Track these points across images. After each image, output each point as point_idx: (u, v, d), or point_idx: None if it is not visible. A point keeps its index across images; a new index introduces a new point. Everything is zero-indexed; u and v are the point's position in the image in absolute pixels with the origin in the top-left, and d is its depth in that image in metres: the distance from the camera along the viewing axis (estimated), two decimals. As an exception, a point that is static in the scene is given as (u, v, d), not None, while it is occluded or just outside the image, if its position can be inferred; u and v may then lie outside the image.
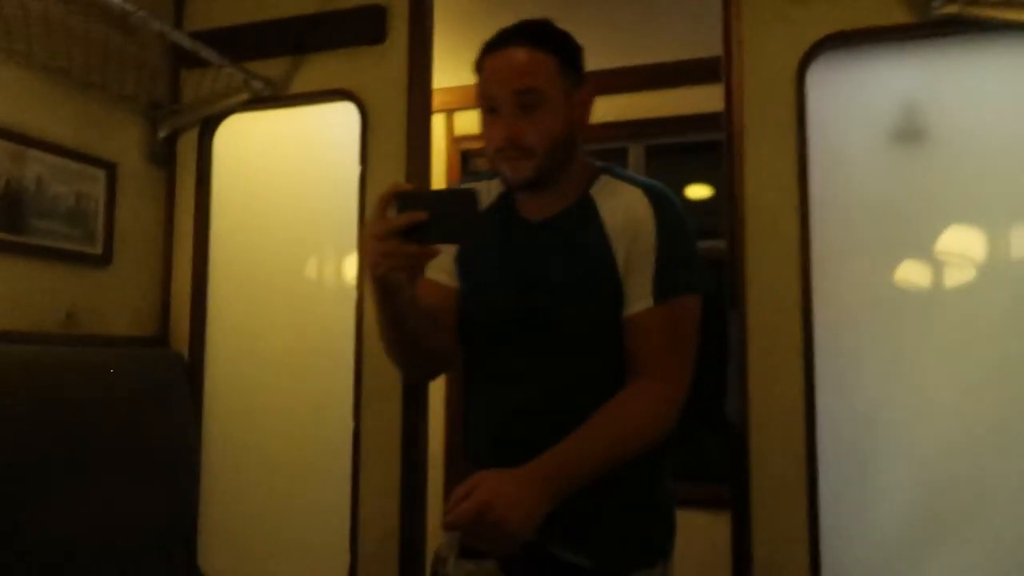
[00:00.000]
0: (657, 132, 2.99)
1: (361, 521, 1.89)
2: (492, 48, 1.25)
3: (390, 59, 1.98)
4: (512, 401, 1.29)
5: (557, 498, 1.06)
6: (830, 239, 1.65)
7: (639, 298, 1.23)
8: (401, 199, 1.05)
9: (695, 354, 1.25)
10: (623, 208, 1.26)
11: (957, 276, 1.62)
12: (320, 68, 2.04)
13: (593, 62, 1.30)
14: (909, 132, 1.64)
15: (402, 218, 1.04)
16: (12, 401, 1.56)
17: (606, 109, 2.97)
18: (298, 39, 2.04)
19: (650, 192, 1.27)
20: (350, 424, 1.92)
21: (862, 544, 1.60)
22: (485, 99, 1.24)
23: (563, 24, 1.28)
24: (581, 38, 1.28)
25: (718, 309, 1.85)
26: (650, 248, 1.23)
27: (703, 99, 2.63)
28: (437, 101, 2.35)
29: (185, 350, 2.11)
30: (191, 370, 2.09)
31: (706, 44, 2.00)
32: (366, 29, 1.99)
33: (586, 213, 1.29)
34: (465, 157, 3.23)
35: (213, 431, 2.10)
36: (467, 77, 1.26)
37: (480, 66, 1.26)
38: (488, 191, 1.37)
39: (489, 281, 1.34)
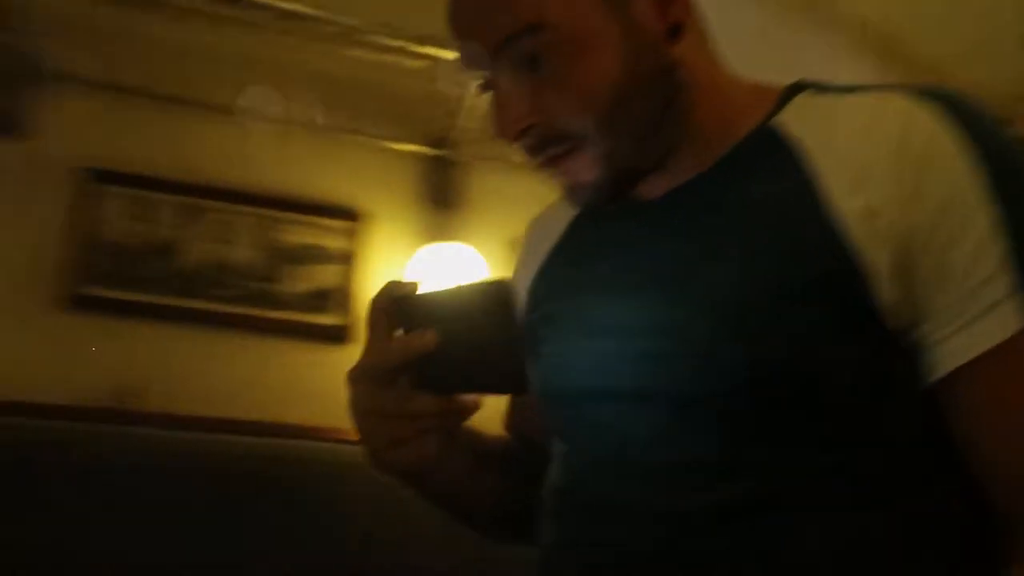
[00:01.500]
0: None
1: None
2: None
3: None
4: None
5: None
6: None
7: (976, 323, 0.54)
8: (403, 308, 0.59)
9: None
10: (866, 136, 0.58)
11: None
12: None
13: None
14: None
15: (406, 345, 0.58)
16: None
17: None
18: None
19: (943, 102, 0.57)
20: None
21: None
22: (470, 74, 0.65)
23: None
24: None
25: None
26: (975, 212, 0.54)
27: None
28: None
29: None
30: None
31: None
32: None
33: (769, 158, 0.62)
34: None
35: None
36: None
37: None
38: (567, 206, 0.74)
39: (579, 332, 0.67)
